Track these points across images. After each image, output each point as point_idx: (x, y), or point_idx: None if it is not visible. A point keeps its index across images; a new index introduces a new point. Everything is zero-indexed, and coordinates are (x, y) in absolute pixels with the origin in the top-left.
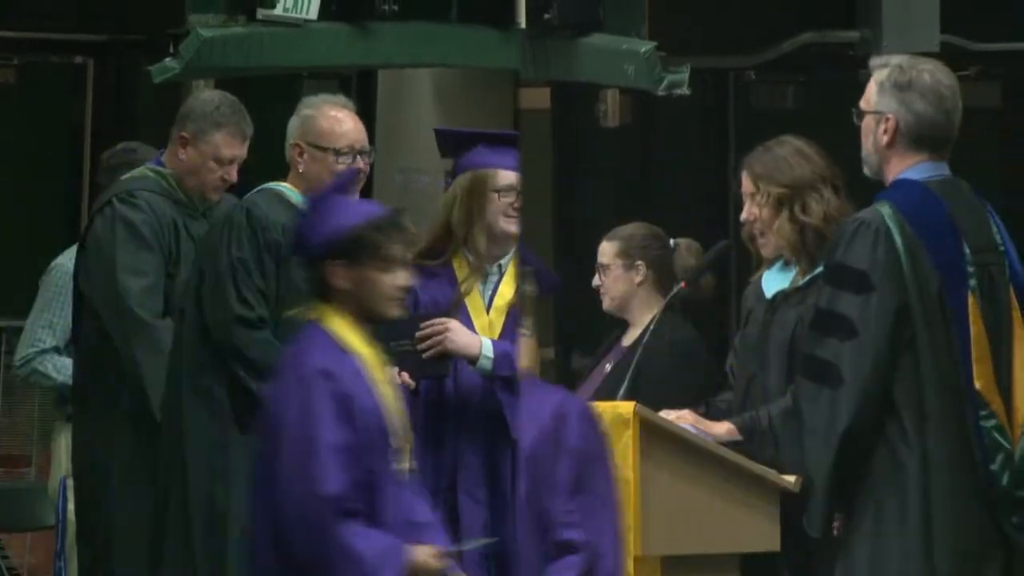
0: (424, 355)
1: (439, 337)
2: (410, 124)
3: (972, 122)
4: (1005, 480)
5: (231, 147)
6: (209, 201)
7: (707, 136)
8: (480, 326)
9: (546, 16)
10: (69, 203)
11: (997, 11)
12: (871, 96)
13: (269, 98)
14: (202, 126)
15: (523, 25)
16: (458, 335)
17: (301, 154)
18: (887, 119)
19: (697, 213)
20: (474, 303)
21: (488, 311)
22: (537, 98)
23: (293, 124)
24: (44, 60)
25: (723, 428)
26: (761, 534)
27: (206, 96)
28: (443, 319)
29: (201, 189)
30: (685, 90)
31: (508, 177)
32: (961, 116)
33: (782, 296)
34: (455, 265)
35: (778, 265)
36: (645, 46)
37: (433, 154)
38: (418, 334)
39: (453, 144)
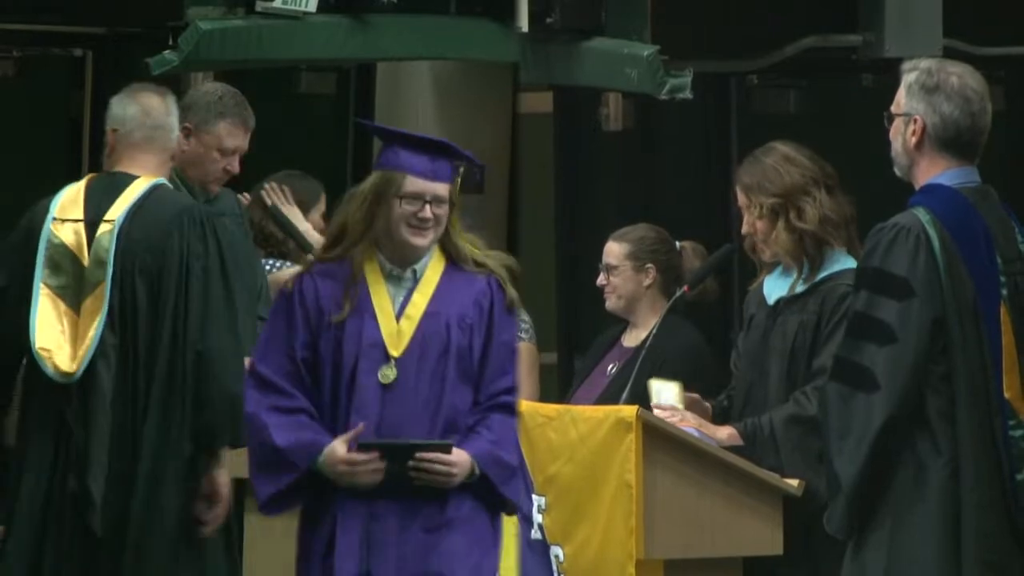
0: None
1: (442, 479)
2: (409, 117)
3: None
4: None
5: (234, 137)
6: (209, 193)
7: (709, 140)
8: (387, 333)
9: (548, 20)
10: None
11: (999, 15)
12: (900, 99)
13: (268, 91)
14: (205, 116)
15: (525, 28)
16: (461, 471)
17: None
18: (914, 121)
19: (699, 217)
20: (383, 308)
21: (398, 319)
22: (539, 102)
23: (174, 118)
24: (43, 52)
25: (725, 432)
26: (763, 538)
27: (209, 87)
28: (448, 458)
29: (203, 180)
30: (687, 94)
31: (416, 184)
32: (990, 120)
33: (784, 302)
34: (356, 263)
35: (779, 271)
36: (647, 50)
37: None
38: (419, 460)
39: (380, 139)
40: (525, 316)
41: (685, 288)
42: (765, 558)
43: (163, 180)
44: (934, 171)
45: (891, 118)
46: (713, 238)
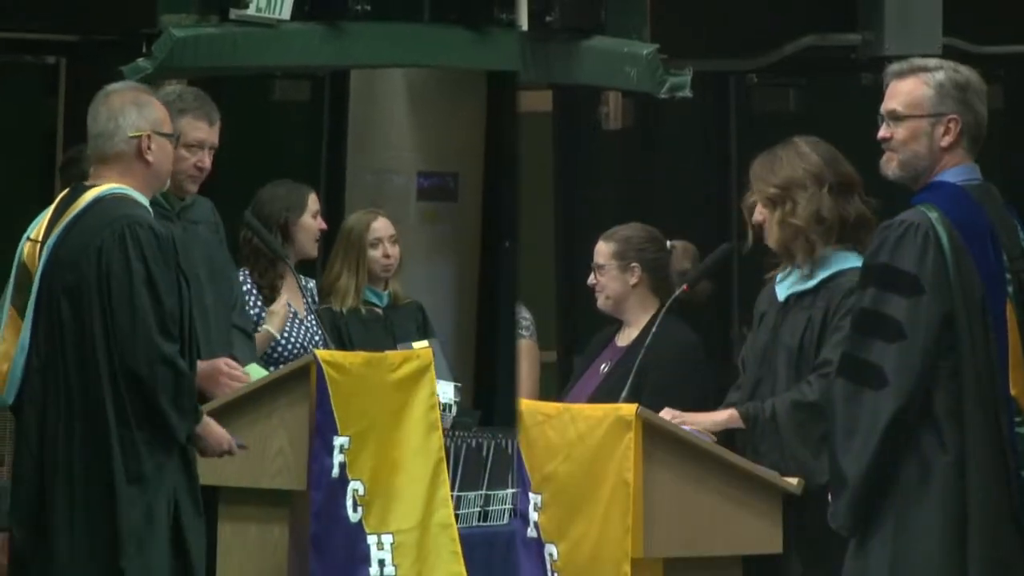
0: None
1: None
2: (383, 124)
3: None
4: None
5: (196, 130)
6: (185, 196)
7: (708, 139)
8: None
9: (548, 19)
10: (42, 203)
11: (999, 14)
12: (919, 100)
13: (242, 98)
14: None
15: (524, 27)
16: None
17: (149, 145)
18: (951, 120)
19: (699, 216)
20: None
21: None
22: (539, 101)
23: (128, 116)
24: (16, 60)
25: (724, 415)
26: (763, 536)
27: (167, 89)
28: None
29: (177, 181)
30: (687, 93)
31: None
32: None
33: (795, 298)
34: None
35: (790, 268)
36: (647, 49)
37: (406, 154)
38: None
39: None
40: (526, 313)
41: (684, 287)
42: (765, 556)
43: (114, 188)
44: (944, 168)
45: (900, 118)
46: (712, 236)
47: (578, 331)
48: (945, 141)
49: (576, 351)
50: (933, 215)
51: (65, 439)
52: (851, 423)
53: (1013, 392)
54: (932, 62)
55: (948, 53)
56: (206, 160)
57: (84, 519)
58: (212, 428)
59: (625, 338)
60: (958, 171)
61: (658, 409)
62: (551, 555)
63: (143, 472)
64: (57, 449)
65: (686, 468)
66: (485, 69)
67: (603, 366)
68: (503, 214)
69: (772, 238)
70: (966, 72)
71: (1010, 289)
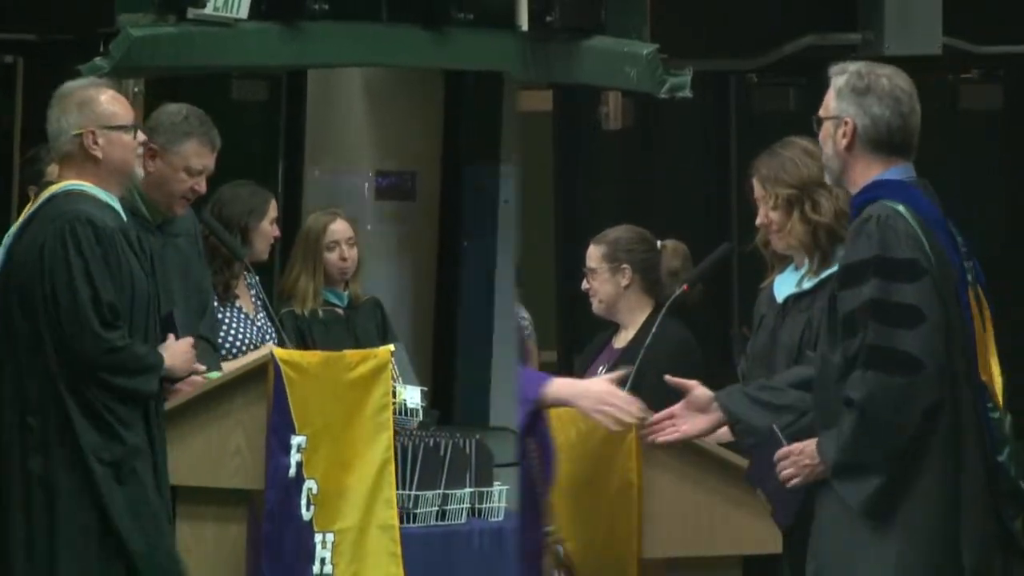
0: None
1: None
2: (340, 124)
3: (974, 124)
4: (1012, 472)
5: (201, 157)
6: (173, 214)
7: (709, 139)
8: None
9: (548, 19)
10: None
11: (999, 13)
12: (829, 102)
13: (199, 98)
14: (171, 136)
15: (525, 27)
16: None
17: (95, 140)
18: (845, 123)
19: (699, 216)
20: None
21: None
22: (539, 100)
23: (71, 116)
24: None
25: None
26: (763, 536)
27: (172, 107)
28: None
29: (169, 201)
30: (687, 93)
31: None
32: (920, 120)
33: (793, 299)
34: None
35: (789, 269)
36: (647, 49)
37: (363, 154)
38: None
39: None
40: (525, 313)
41: (684, 287)
42: (765, 556)
43: (69, 185)
44: (872, 171)
45: (819, 122)
46: (712, 236)
47: (578, 331)
48: (843, 143)
49: (576, 351)
50: (899, 207)
51: (19, 437)
52: (885, 411)
53: (983, 378)
54: (851, 65)
55: (948, 53)
56: (203, 185)
57: (49, 517)
58: (173, 354)
59: (621, 340)
60: (897, 170)
61: (656, 408)
62: (557, 556)
63: (129, 447)
64: (12, 449)
65: (686, 468)
66: (444, 68)
67: (600, 369)
68: (461, 213)
69: (792, 237)
70: (877, 76)
71: (969, 277)
